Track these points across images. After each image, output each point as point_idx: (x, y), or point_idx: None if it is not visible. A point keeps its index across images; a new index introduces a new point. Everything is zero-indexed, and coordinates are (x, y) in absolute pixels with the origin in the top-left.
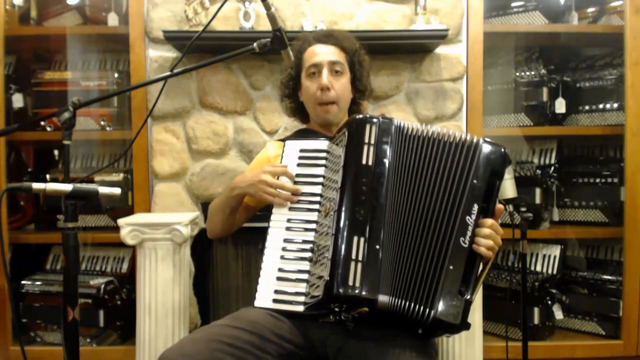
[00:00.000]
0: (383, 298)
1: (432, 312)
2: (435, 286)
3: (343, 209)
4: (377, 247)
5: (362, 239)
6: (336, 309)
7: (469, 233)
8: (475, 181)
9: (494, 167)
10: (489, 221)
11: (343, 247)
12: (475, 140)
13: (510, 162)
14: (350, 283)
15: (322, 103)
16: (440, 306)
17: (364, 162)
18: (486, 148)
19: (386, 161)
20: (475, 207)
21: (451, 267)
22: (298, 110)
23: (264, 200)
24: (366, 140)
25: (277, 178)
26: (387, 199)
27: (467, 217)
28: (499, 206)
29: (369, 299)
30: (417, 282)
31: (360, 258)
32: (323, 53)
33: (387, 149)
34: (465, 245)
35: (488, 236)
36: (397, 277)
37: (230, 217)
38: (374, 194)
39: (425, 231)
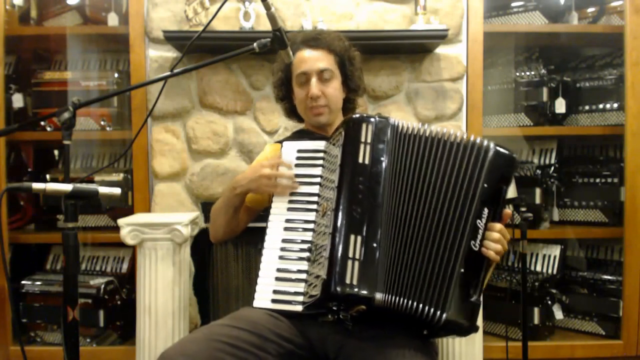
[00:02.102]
0: (381, 296)
1: (445, 315)
2: (447, 288)
3: (340, 207)
4: (374, 245)
5: (359, 237)
6: (334, 308)
7: (479, 237)
8: (485, 185)
9: (503, 172)
10: (498, 225)
11: (340, 245)
12: (485, 144)
13: (517, 167)
14: (348, 281)
15: (313, 107)
16: (452, 308)
17: (360, 161)
18: (497, 152)
19: (383, 160)
20: (486, 211)
21: (462, 270)
22: (293, 111)
23: (266, 192)
24: (362, 139)
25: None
26: (384, 198)
27: (478, 221)
28: (507, 211)
29: (366, 297)
30: (428, 284)
31: (357, 256)
32: (311, 60)
33: (384, 148)
34: (476, 249)
35: (497, 240)
36: (403, 276)
37: (233, 218)
38: (371, 193)
39: (434, 233)
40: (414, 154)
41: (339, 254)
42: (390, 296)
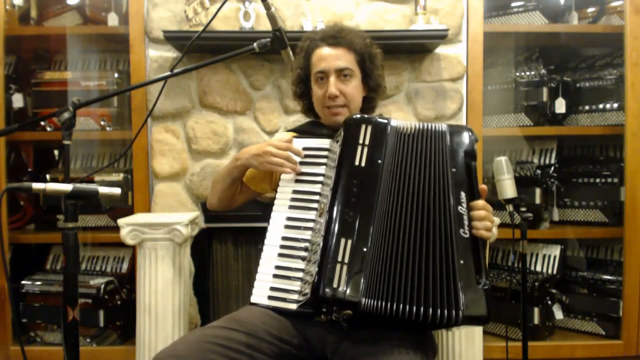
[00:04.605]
0: (368, 302)
1: (461, 312)
2: (454, 286)
3: (334, 210)
4: (365, 250)
5: (349, 242)
6: (324, 310)
7: (465, 222)
8: (454, 169)
9: (466, 149)
10: (480, 203)
11: (331, 248)
12: (439, 128)
13: (477, 138)
14: (335, 285)
15: (330, 107)
16: (466, 303)
17: (356, 163)
18: (452, 133)
19: (380, 162)
20: (463, 195)
21: (462, 262)
22: (311, 109)
23: (267, 170)
24: (360, 141)
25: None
26: (379, 201)
27: (459, 207)
28: (482, 186)
29: (351, 302)
30: (433, 287)
31: (346, 261)
32: (330, 58)
33: (382, 150)
34: (467, 236)
35: (484, 218)
36: (403, 282)
37: (229, 189)
38: (365, 197)
39: (426, 231)
40: (407, 154)
41: (329, 257)
42: (380, 302)
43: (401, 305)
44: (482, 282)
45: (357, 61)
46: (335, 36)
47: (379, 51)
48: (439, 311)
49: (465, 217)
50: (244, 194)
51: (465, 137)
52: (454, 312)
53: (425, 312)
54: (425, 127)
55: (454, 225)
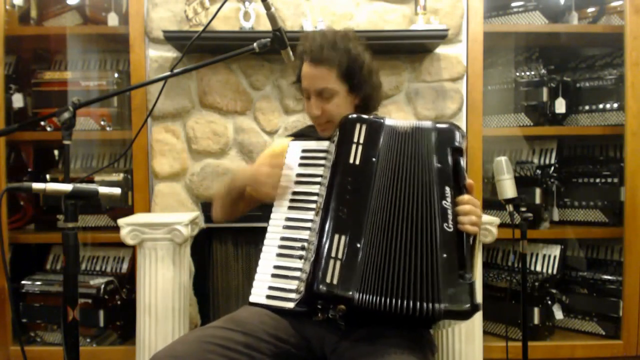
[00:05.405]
0: (362, 297)
1: (441, 305)
2: (435, 279)
3: (329, 207)
4: (358, 245)
5: (343, 238)
6: (319, 307)
7: (450, 217)
8: (439, 165)
9: (452, 144)
10: (465, 197)
11: (325, 245)
12: (426, 126)
13: (465, 134)
14: (329, 280)
15: (317, 124)
16: (447, 297)
17: (351, 161)
18: (438, 129)
19: (374, 160)
20: (448, 189)
21: (444, 256)
22: None
23: (263, 194)
24: (355, 140)
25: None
26: (372, 198)
27: (444, 202)
28: (469, 181)
29: (345, 297)
30: (414, 280)
31: (340, 256)
32: (310, 79)
33: (376, 148)
34: (451, 230)
35: (468, 212)
36: (389, 276)
37: (231, 205)
38: (359, 194)
39: (412, 227)
40: (399, 152)
41: (324, 254)
42: (373, 297)
43: (392, 300)
44: (466, 276)
45: (340, 77)
46: (316, 51)
47: (367, 57)
48: (418, 304)
49: (450, 212)
50: (248, 204)
51: (452, 134)
52: (436, 305)
53: (408, 306)
54: (416, 124)
55: (437, 220)
